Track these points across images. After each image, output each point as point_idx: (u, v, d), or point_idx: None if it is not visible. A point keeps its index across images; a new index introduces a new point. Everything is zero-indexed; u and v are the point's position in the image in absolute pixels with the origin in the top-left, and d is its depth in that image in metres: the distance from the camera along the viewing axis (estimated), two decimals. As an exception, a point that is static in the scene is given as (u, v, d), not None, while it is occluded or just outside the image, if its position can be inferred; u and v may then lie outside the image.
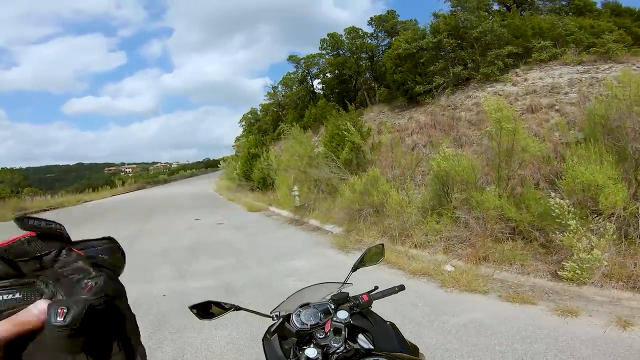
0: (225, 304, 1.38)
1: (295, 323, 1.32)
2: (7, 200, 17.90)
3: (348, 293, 1.45)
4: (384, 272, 4.51)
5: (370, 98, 19.68)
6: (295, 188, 9.97)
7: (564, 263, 3.31)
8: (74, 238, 0.53)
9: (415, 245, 5.11)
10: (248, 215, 11.81)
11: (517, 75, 10.15)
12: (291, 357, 1.24)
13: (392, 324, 1.38)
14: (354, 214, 6.80)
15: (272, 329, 1.41)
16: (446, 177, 5.34)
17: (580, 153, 4.13)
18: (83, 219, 14.10)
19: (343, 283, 1.56)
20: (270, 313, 1.44)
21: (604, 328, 2.57)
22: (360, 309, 1.42)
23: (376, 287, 1.51)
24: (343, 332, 1.21)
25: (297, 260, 5.73)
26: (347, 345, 1.19)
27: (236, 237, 8.18)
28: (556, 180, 4.31)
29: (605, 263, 3.09)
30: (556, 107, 7.85)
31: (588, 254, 3.10)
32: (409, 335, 1.44)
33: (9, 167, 39.20)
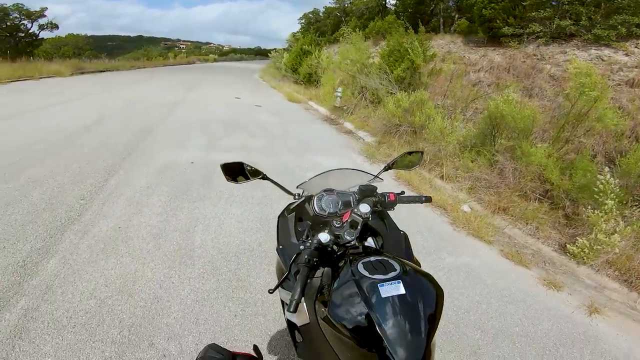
0: (255, 170, 1.38)
1: (315, 207, 1.31)
2: (69, 60, 20.07)
3: (376, 187, 1.39)
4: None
5: (445, 27, 17.70)
6: (340, 89, 9.75)
7: (577, 238, 3.24)
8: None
9: (442, 176, 5.05)
10: (286, 104, 11.88)
11: (636, 47, 8.59)
12: (303, 238, 1.25)
13: (405, 234, 1.35)
14: (391, 127, 6.67)
15: (292, 206, 1.41)
16: (500, 121, 4.96)
17: (660, 139, 3.68)
18: (134, 82, 15.17)
19: (375, 176, 1.51)
20: (296, 189, 1.43)
21: (574, 309, 2.59)
22: (383, 207, 1.37)
23: (403, 192, 1.45)
24: (359, 227, 1.17)
25: (323, 157, 5.85)
26: (358, 242, 1.16)
27: (271, 122, 8.33)
28: (618, 157, 3.94)
29: (617, 250, 2.99)
30: (663, 89, 6.70)
31: (607, 236, 3.00)
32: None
33: (75, 33, 43.17)
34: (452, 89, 7.66)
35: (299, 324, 1.24)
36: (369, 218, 1.20)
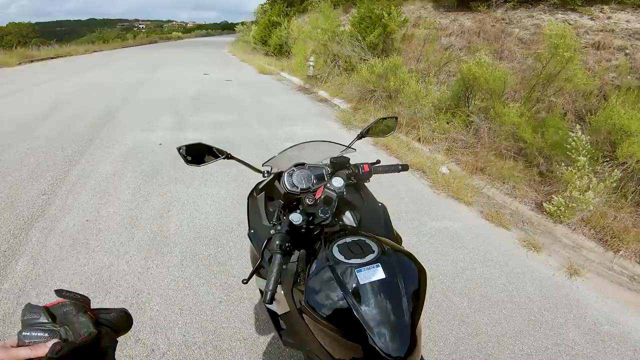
0: (218, 150, 1.22)
1: (286, 183, 1.21)
2: (14, 50, 17.80)
3: (349, 159, 1.30)
4: (381, 159, 4.56)
5: (416, -8, 17.31)
6: (312, 58, 9.54)
7: (553, 196, 3.33)
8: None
9: (419, 139, 5.06)
10: (258, 76, 11.52)
11: (601, 12, 8.67)
12: (274, 220, 1.15)
13: (383, 207, 1.28)
14: (366, 93, 6.60)
15: (260, 186, 1.32)
16: (472, 82, 4.96)
17: (627, 98, 3.77)
18: (90, 66, 14.12)
19: (347, 147, 1.41)
20: (262, 166, 1.32)
21: (554, 271, 2.63)
22: (358, 179, 1.29)
23: (378, 161, 1.36)
24: (333, 203, 1.08)
25: (298, 126, 5.74)
26: (333, 220, 1.07)
27: (242, 95, 8.05)
28: (588, 115, 4.02)
29: (591, 207, 3.07)
30: (627, 51, 6.78)
31: (581, 193, 3.09)
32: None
33: (16, 22, 40.23)
34: (425, 53, 7.60)
35: (279, 313, 1.17)
36: (343, 192, 1.12)
